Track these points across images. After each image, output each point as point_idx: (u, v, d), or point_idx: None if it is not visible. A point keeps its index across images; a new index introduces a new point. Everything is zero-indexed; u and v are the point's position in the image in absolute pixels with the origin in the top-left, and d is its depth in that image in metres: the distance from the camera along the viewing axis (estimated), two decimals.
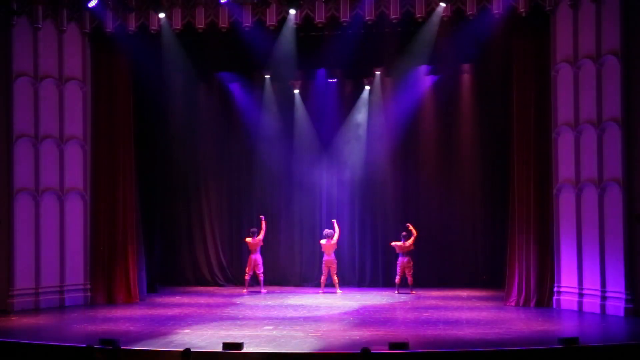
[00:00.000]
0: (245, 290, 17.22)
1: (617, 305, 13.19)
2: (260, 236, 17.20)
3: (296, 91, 18.47)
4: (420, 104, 18.03)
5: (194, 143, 18.81)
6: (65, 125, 15.29)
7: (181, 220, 18.83)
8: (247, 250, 17.56)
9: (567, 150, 14.01)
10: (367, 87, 18.30)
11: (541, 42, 14.39)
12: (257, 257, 17.11)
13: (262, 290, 17.11)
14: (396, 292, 16.64)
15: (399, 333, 11.81)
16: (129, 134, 15.80)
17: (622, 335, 12.03)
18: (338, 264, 17.28)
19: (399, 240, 16.72)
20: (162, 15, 14.75)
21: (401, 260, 16.60)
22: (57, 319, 13.82)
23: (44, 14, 14.97)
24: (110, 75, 15.71)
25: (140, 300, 15.64)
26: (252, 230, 17.37)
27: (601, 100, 13.50)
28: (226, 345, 10.26)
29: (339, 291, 16.92)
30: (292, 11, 14.48)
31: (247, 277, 17.25)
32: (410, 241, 16.53)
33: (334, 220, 17.24)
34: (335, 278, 17.00)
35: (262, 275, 17.16)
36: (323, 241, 17.02)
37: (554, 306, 14.13)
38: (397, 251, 16.74)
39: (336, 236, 16.97)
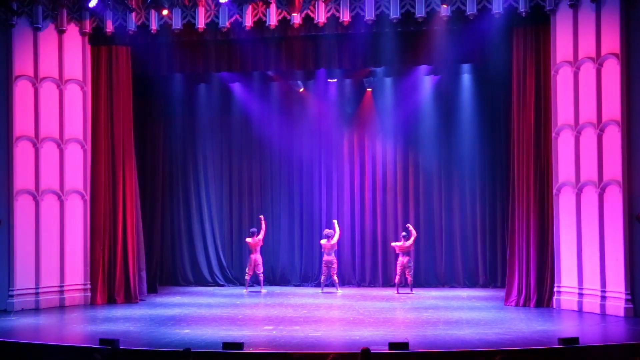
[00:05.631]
0: (245, 290, 17.22)
1: (617, 305, 13.18)
2: (261, 236, 17.20)
3: (301, 90, 18.45)
4: (420, 104, 18.04)
5: (194, 143, 18.82)
6: (65, 126, 15.29)
7: (181, 220, 18.82)
8: (247, 250, 17.57)
9: (567, 150, 14.01)
10: (368, 88, 18.34)
11: (541, 42, 14.38)
12: (257, 257, 17.12)
13: (262, 290, 17.12)
14: (396, 292, 16.64)
15: (399, 333, 11.81)
16: (129, 134, 15.80)
17: (622, 335, 12.02)
18: (338, 263, 17.28)
19: (399, 241, 16.74)
20: (165, 12, 14.71)
21: (401, 260, 16.61)
22: (57, 319, 13.83)
23: (44, 14, 14.97)
24: (110, 75, 15.69)
25: (140, 300, 15.65)
26: (252, 230, 17.39)
27: (601, 100, 13.49)
28: (226, 345, 10.27)
29: (339, 291, 16.92)
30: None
31: (247, 277, 17.26)
32: (410, 241, 16.54)
33: (335, 221, 17.24)
34: (335, 278, 17.00)
35: (262, 275, 17.17)
36: (323, 241, 17.02)
37: (554, 306, 14.13)
38: (397, 251, 16.75)
39: (336, 236, 16.96)
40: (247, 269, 17.27)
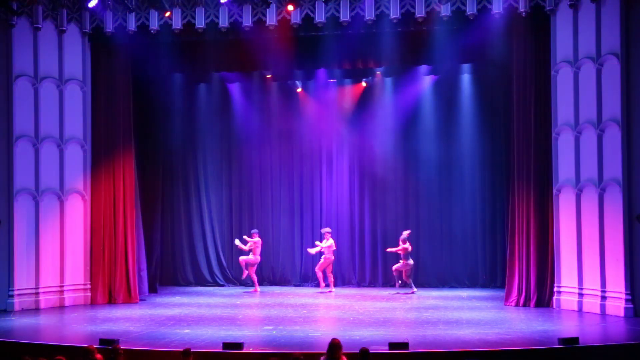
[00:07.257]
0: (255, 288, 17.25)
1: (617, 305, 13.18)
2: (249, 246, 17.18)
3: (299, 90, 18.46)
4: (420, 104, 18.05)
5: (194, 143, 18.82)
6: (65, 126, 15.30)
7: (181, 220, 18.83)
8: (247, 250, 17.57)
9: (567, 150, 14.01)
10: (366, 86, 18.33)
11: (541, 42, 14.38)
12: (248, 257, 17.11)
13: (257, 289, 17.19)
14: (397, 284, 16.61)
15: (399, 333, 11.82)
16: (129, 134, 15.80)
17: (622, 335, 12.02)
18: (338, 263, 17.30)
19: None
20: (167, 14, 14.73)
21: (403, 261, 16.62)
22: (57, 319, 13.82)
23: (44, 14, 14.97)
24: (110, 75, 15.71)
25: (140, 300, 15.65)
26: (244, 237, 17.42)
27: (601, 100, 13.49)
28: (226, 345, 10.28)
29: (331, 289, 16.92)
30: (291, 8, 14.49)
31: (245, 275, 17.30)
32: (393, 249, 16.60)
33: (328, 230, 17.15)
34: (330, 276, 17.01)
35: (254, 275, 17.27)
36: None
37: (554, 306, 14.14)
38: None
39: (317, 249, 16.96)
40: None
